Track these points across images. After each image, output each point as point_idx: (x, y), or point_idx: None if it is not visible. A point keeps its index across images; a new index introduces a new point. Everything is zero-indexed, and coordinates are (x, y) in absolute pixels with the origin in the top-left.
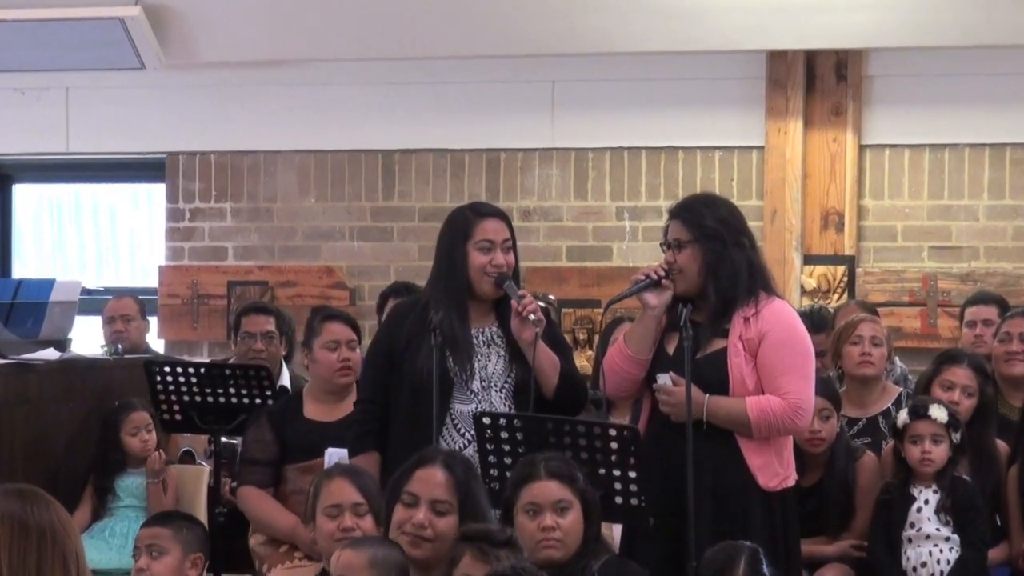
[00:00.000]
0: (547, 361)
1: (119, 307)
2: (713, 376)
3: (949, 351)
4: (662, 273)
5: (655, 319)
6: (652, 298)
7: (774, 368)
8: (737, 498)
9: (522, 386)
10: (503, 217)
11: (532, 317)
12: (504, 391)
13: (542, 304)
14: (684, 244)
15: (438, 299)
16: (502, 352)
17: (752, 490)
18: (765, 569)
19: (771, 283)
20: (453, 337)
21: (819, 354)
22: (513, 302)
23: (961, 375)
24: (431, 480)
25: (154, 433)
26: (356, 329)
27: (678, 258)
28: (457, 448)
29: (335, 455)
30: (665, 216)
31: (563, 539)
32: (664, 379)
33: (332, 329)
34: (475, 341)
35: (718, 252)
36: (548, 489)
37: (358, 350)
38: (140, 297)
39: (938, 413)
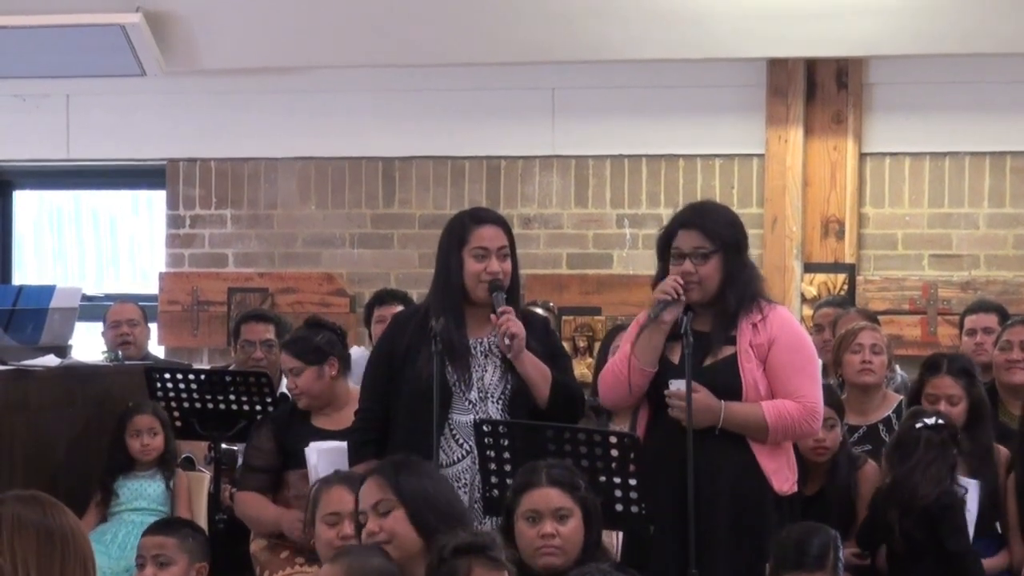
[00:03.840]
0: (536, 372)
1: (124, 311)
2: (725, 382)
3: (931, 358)
4: (680, 291)
5: (665, 333)
6: (667, 314)
7: (786, 372)
8: (755, 503)
9: (517, 396)
10: (501, 223)
11: (506, 340)
12: (500, 402)
13: (540, 311)
14: (709, 254)
15: (437, 306)
16: (498, 362)
17: (768, 495)
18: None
19: (766, 289)
20: (452, 345)
21: (821, 327)
22: (492, 317)
23: (941, 385)
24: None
25: (159, 437)
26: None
27: (701, 269)
28: (454, 459)
29: (317, 450)
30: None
31: (563, 546)
32: (677, 385)
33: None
34: (473, 351)
35: (736, 260)
36: (549, 496)
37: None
38: (140, 304)
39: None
